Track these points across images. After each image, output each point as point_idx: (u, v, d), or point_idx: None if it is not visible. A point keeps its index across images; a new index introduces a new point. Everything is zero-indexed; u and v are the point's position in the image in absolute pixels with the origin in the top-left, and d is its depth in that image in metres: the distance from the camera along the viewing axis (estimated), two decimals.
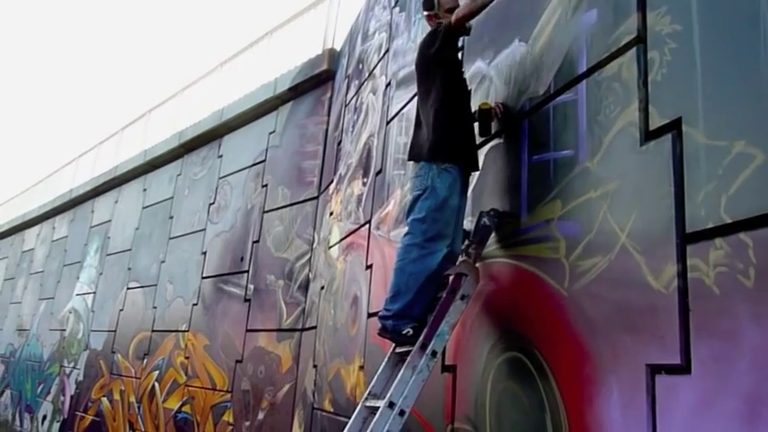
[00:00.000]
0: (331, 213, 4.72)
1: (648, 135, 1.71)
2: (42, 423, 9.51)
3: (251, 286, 5.62)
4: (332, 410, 3.77)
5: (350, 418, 3.38)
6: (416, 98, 2.54)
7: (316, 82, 5.73)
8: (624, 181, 1.76)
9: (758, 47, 1.44)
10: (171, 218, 7.49)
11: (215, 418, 5.60)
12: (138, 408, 6.93)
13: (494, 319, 2.23)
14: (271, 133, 6.16)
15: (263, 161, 6.10)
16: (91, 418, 8.06)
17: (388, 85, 3.94)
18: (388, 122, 3.81)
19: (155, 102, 9.64)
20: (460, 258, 2.27)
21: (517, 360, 2.02)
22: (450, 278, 2.20)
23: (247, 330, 5.49)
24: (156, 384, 6.70)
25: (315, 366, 4.31)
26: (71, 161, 12.09)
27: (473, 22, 2.57)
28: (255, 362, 5.28)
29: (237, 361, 5.48)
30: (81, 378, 8.63)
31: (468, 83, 2.54)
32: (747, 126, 1.43)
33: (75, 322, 9.36)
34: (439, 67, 2.38)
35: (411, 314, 2.15)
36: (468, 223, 2.42)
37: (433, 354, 2.05)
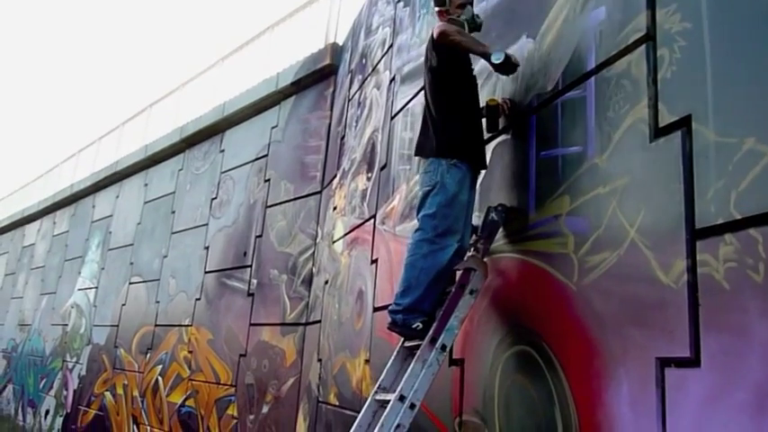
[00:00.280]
0: (335, 208, 4.74)
1: (658, 132, 1.73)
2: (45, 418, 9.56)
3: (254, 281, 5.64)
4: (337, 404, 3.81)
5: (355, 411, 3.44)
6: (424, 94, 2.56)
7: (318, 77, 5.73)
8: (633, 177, 1.78)
9: (767, 45, 1.45)
10: (173, 213, 7.50)
11: (219, 411, 5.64)
12: (142, 402, 6.97)
13: (502, 314, 2.26)
14: (273, 128, 6.16)
15: (266, 156, 6.11)
16: (94, 412, 8.11)
17: (393, 80, 3.95)
18: (392, 117, 3.82)
19: (155, 96, 9.64)
20: (469, 253, 2.29)
21: (526, 353, 2.04)
22: (459, 273, 2.23)
23: (251, 325, 5.52)
24: (160, 379, 6.74)
25: (319, 360, 4.34)
26: (71, 156, 12.08)
27: (481, 16, 2.58)
28: (259, 356, 5.31)
29: (241, 355, 5.52)
30: (84, 373, 8.67)
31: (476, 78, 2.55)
32: (757, 123, 1.45)
33: (77, 317, 9.39)
34: (442, 71, 2.38)
35: (421, 308, 2.17)
36: (476, 218, 2.44)
37: (443, 348, 2.08)
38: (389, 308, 2.27)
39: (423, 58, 3.48)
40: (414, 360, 2.07)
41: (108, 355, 8.06)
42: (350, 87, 5.03)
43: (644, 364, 1.56)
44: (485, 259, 2.26)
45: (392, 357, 2.30)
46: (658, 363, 1.53)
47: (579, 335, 1.81)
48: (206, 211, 6.80)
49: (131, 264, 8.10)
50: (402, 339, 2.31)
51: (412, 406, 1.99)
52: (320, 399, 4.16)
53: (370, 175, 4.06)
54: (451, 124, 2.32)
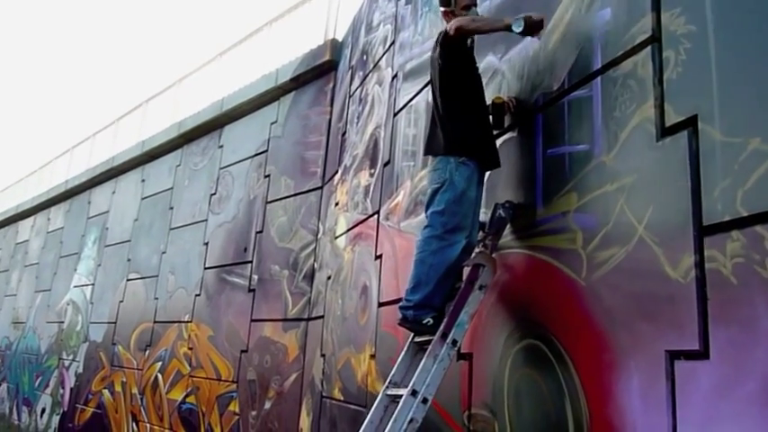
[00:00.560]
0: (336, 204, 4.77)
1: (665, 131, 1.78)
2: (41, 416, 9.53)
3: (255, 276, 5.66)
4: (342, 398, 3.85)
5: (361, 405, 3.49)
6: (431, 93, 2.59)
7: (318, 72, 5.74)
8: (641, 175, 1.82)
9: None
10: (171, 208, 7.49)
11: (221, 408, 5.67)
12: (141, 399, 6.98)
13: (510, 308, 2.31)
14: (273, 123, 6.17)
15: (266, 151, 6.13)
16: (92, 410, 8.10)
17: (395, 77, 3.98)
18: (395, 114, 3.85)
19: (152, 92, 9.60)
20: (477, 249, 2.34)
21: (535, 347, 2.09)
22: (468, 269, 2.27)
23: (252, 320, 5.55)
24: (159, 375, 6.75)
25: (323, 355, 4.38)
26: (66, 151, 12.00)
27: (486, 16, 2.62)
28: (261, 352, 5.35)
29: (242, 351, 5.55)
30: (81, 370, 8.65)
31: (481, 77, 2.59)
32: (762, 124, 1.50)
33: (73, 314, 9.36)
34: (450, 69, 2.42)
35: (431, 304, 2.22)
36: (483, 215, 2.49)
37: (454, 343, 2.12)
38: (400, 304, 2.31)
39: (426, 56, 3.54)
40: (425, 355, 2.12)
41: (106, 353, 8.06)
42: (350, 83, 5.05)
43: (654, 357, 1.62)
44: (493, 255, 2.31)
45: (402, 353, 2.34)
46: (668, 355, 1.58)
47: (589, 328, 1.87)
48: (205, 206, 6.80)
49: (129, 260, 8.09)
50: (412, 335, 2.35)
51: (424, 400, 2.04)
52: (324, 394, 4.20)
53: (372, 171, 4.09)
54: (459, 122, 2.36)
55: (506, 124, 2.55)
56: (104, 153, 9.99)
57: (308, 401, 4.61)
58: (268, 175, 5.95)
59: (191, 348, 6.32)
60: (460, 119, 2.37)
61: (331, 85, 5.62)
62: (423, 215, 2.55)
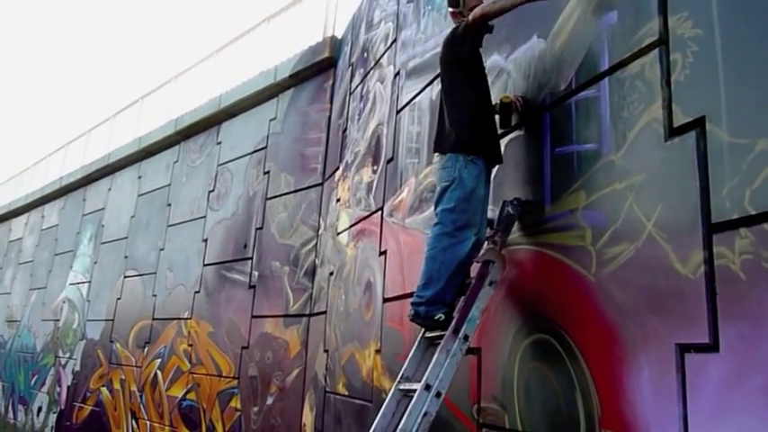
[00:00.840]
0: (338, 200, 4.80)
1: (672, 132, 1.83)
2: (38, 415, 9.50)
3: (255, 273, 5.69)
4: (346, 393, 3.90)
5: (366, 400, 3.53)
6: (440, 91, 2.63)
7: (317, 69, 5.76)
8: (649, 174, 1.87)
9: None
10: (169, 205, 7.48)
11: (222, 404, 5.70)
12: (141, 396, 6.99)
13: (519, 304, 2.36)
14: (271, 120, 6.18)
15: (265, 148, 6.14)
16: (90, 408, 8.09)
17: (397, 74, 4.01)
18: (398, 112, 3.88)
19: (148, 88, 9.54)
20: (486, 246, 2.38)
21: (545, 342, 2.15)
22: (478, 265, 2.32)
23: (253, 317, 5.58)
24: (159, 372, 6.76)
25: (326, 351, 4.42)
26: (60, 148, 11.91)
27: None
28: (262, 348, 5.38)
29: (243, 347, 5.58)
30: (78, 368, 8.63)
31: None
32: None
33: (69, 312, 9.33)
34: (462, 64, 2.46)
35: (443, 300, 2.26)
36: (491, 212, 2.53)
37: (465, 338, 2.17)
38: (411, 300, 2.36)
39: (428, 54, 3.57)
40: (438, 350, 2.16)
41: (103, 350, 8.05)
42: (351, 80, 5.07)
43: (664, 350, 1.67)
44: (502, 251, 2.36)
45: (413, 348, 2.39)
46: (678, 349, 1.63)
47: (599, 323, 1.92)
48: (203, 203, 6.80)
49: (126, 257, 8.07)
50: (422, 330, 2.40)
51: (438, 394, 2.09)
52: (328, 389, 4.25)
53: (375, 167, 4.12)
54: (468, 121, 2.40)
55: (513, 123, 2.59)
56: (100, 150, 9.93)
57: (310, 396, 4.65)
58: (267, 172, 5.97)
59: (190, 345, 6.34)
60: (469, 117, 2.41)
61: (330, 81, 5.64)
62: (427, 212, 2.59)
